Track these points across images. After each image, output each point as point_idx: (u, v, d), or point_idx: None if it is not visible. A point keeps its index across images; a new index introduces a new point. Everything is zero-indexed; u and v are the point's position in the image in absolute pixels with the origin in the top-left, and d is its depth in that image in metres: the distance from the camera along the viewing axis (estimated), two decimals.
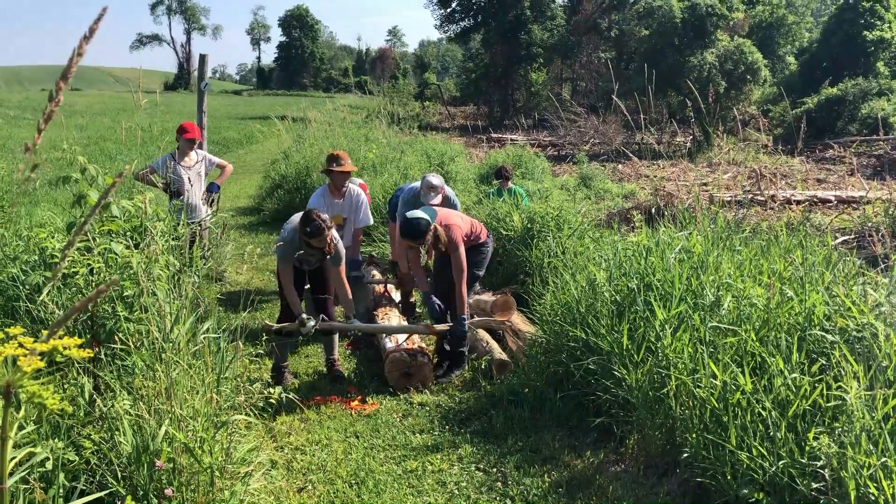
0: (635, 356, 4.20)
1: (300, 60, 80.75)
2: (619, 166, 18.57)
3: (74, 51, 1.11)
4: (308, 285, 5.64)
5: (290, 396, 4.17)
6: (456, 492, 3.97)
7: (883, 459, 2.83)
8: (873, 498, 2.78)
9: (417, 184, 6.55)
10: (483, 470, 4.19)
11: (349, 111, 20.08)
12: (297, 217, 5.34)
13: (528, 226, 6.94)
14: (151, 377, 3.08)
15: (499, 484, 4.04)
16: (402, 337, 5.69)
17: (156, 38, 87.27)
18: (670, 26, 25.34)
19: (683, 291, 4.42)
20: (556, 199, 8.02)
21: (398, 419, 4.88)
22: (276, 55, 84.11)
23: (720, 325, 4.00)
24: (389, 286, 6.80)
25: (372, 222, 6.71)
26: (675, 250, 4.80)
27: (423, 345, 5.70)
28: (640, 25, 27.83)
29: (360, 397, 5.16)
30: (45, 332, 0.93)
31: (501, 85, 37.11)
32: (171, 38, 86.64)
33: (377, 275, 7.07)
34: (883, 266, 4.88)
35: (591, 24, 35.95)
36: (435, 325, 5.62)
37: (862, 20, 29.45)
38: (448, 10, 39.39)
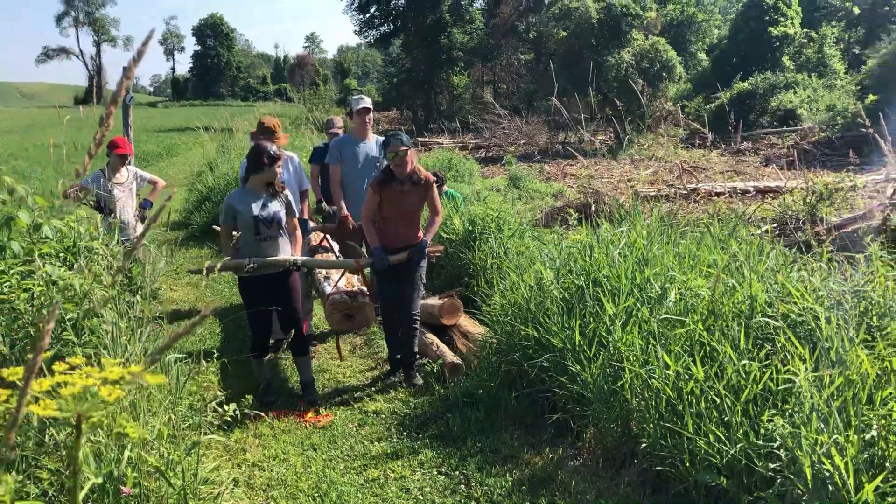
0: (588, 351, 4.29)
1: (216, 70, 79.29)
2: (546, 166, 18.88)
3: (123, 74, 1.09)
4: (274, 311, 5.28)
5: (246, 411, 4.09)
6: (420, 497, 3.98)
7: (834, 436, 2.97)
8: (828, 473, 2.91)
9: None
10: (445, 473, 4.20)
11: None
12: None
13: (470, 228, 7.00)
14: None
15: (462, 486, 4.06)
16: (342, 282, 5.72)
17: (63, 51, 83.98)
18: (587, 27, 25.88)
19: (630, 286, 4.53)
20: (494, 201, 8.09)
21: (354, 429, 4.85)
22: (191, 65, 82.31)
23: (669, 316, 4.12)
24: (327, 235, 6.69)
25: (308, 187, 6.55)
26: (619, 246, 4.92)
27: (363, 288, 5.68)
28: (557, 27, 28.30)
29: (313, 409, 5.11)
30: (112, 363, 0.91)
31: (424, 89, 37.20)
32: (80, 50, 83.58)
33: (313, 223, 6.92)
34: (807, 252, 5.10)
35: (509, 26, 36.35)
36: (361, 260, 5.51)
37: (766, 17, 30.79)
38: (367, 15, 39.26)
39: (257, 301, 5.02)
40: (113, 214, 6.06)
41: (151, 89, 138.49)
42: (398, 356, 5.64)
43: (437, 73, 36.37)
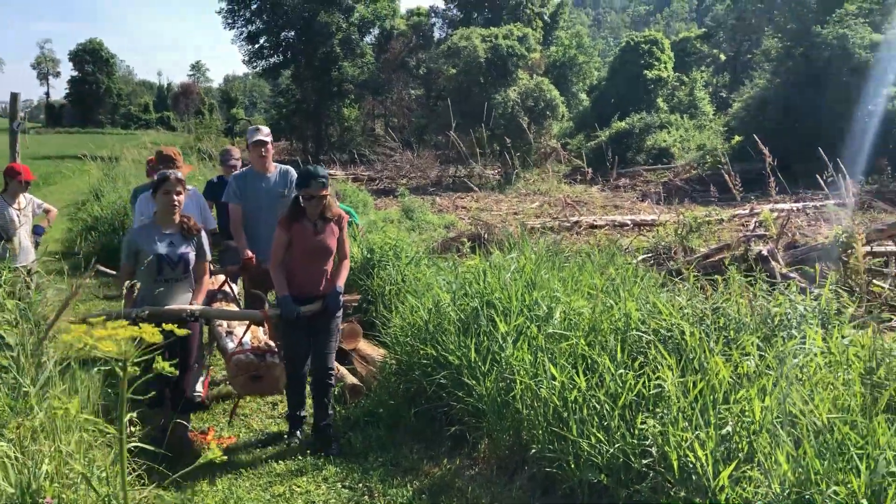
0: (482, 367, 4.63)
1: (95, 96, 76.39)
2: (438, 199, 19.43)
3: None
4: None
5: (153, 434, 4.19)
6: None
7: (696, 433, 3.40)
8: (692, 465, 3.34)
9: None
10: (349, 487, 4.41)
11: (155, 148, 19.46)
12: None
13: (368, 256, 7.27)
14: (24, 418, 3.07)
15: (366, 497, 4.28)
16: (247, 337, 5.18)
17: None
18: (475, 66, 26.85)
19: (520, 306, 4.93)
20: (391, 231, 8.41)
21: (258, 449, 4.98)
22: (67, 91, 78.94)
23: (556, 331, 4.53)
24: (225, 279, 5.96)
25: (215, 226, 6.11)
26: (510, 271, 5.32)
27: (271, 343, 5.12)
28: (447, 64, 29.17)
29: (211, 430, 5.18)
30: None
31: (314, 120, 37.37)
32: None
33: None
34: (679, 277, 5.70)
35: (399, 62, 37.14)
36: (267, 310, 4.99)
37: (642, 61, 32.83)
38: (256, 46, 39.12)
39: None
40: (10, 240, 6.00)
41: (23, 115, 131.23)
42: (299, 413, 5.12)
43: (327, 104, 36.67)
